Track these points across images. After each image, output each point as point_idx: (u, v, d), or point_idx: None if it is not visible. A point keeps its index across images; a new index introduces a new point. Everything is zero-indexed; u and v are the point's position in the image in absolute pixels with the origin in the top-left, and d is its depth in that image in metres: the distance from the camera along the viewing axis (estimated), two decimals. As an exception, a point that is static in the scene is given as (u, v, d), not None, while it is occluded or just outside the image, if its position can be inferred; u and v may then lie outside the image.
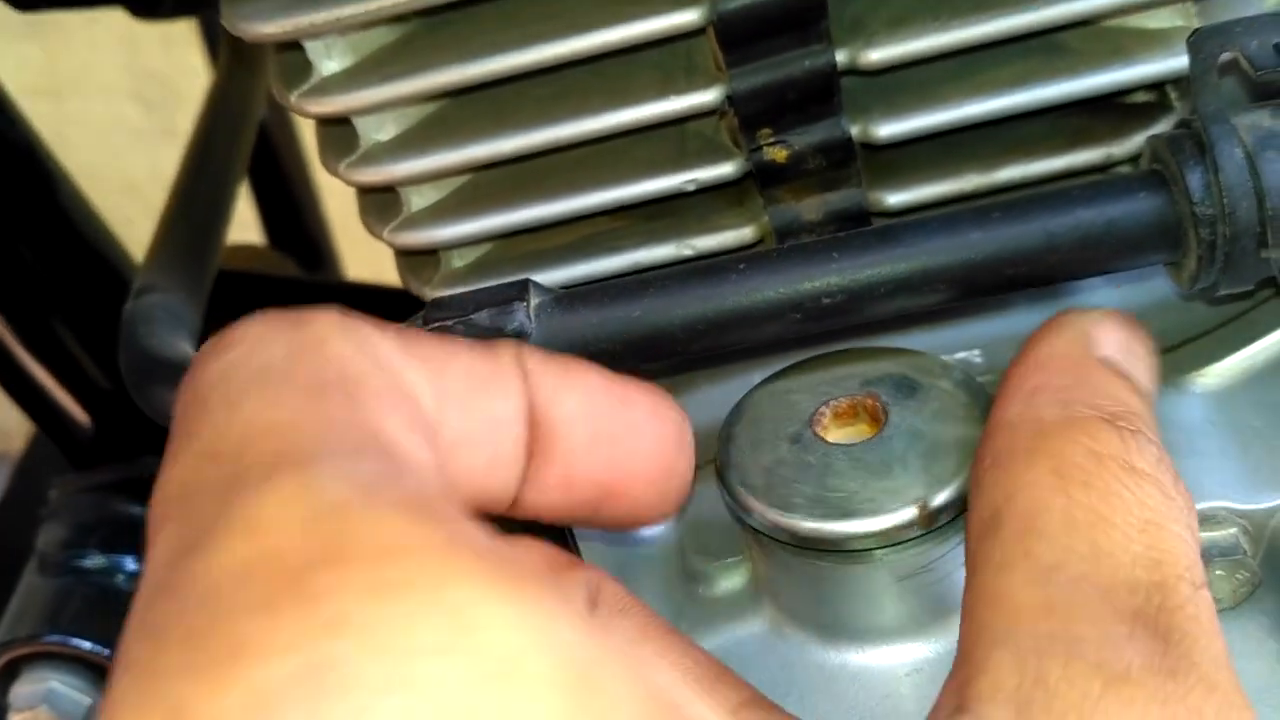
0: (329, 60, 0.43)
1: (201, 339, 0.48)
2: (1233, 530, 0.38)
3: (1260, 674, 0.38)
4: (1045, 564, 0.29)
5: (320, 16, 0.40)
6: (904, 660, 0.38)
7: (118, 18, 0.84)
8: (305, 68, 0.43)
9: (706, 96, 0.41)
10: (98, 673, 0.73)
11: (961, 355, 0.45)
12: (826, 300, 0.39)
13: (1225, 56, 0.38)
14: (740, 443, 0.39)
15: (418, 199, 0.45)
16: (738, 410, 0.40)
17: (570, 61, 0.41)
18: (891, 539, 0.36)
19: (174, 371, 0.44)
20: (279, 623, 0.22)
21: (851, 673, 0.39)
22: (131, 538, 0.77)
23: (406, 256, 0.48)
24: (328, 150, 0.45)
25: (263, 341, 0.29)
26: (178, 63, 1.76)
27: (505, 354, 0.32)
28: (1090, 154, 0.43)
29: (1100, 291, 0.44)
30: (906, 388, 0.39)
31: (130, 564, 0.76)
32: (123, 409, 0.75)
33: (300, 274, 1.12)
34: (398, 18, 0.43)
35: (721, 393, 0.43)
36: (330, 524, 0.23)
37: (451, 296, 0.41)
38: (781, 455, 0.38)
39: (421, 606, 0.22)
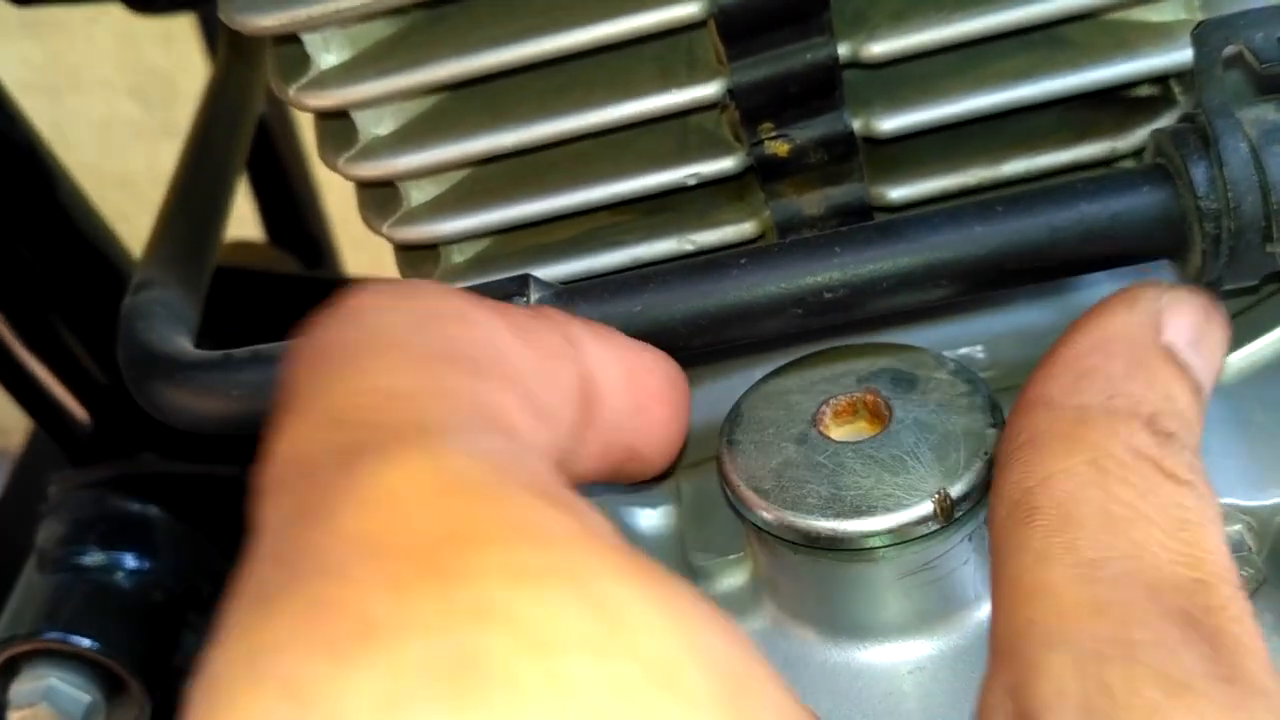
0: (327, 53, 0.43)
1: (200, 335, 0.48)
2: (1237, 527, 0.38)
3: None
4: (1087, 558, 0.29)
5: (318, 9, 0.40)
6: (906, 658, 0.38)
7: (117, 14, 0.84)
8: (303, 61, 0.43)
9: (707, 90, 0.41)
10: (97, 670, 0.72)
11: (964, 350, 0.45)
12: (828, 295, 0.38)
13: (1230, 50, 0.38)
14: (744, 445, 0.39)
15: (417, 194, 0.45)
16: (736, 412, 0.40)
17: (570, 55, 0.41)
18: (911, 534, 0.36)
19: (172, 367, 0.43)
20: (413, 603, 0.20)
21: (854, 670, 0.38)
22: (131, 534, 0.76)
23: (406, 252, 0.48)
24: (326, 144, 0.45)
25: (378, 312, 0.28)
26: (177, 59, 1.76)
27: (558, 320, 0.31)
28: (1094, 148, 0.43)
29: (1103, 286, 0.44)
30: (905, 382, 0.39)
31: (130, 560, 0.76)
32: (122, 405, 0.75)
33: (300, 270, 1.12)
34: (396, 10, 0.42)
35: (723, 388, 0.43)
36: (462, 500, 0.22)
37: (451, 292, 0.41)
38: (789, 456, 0.38)
39: (570, 599, 0.20)
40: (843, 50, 0.41)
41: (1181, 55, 0.40)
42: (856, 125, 0.42)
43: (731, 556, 0.41)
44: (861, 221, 0.43)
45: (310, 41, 0.42)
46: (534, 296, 0.40)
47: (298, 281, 1.05)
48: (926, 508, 0.36)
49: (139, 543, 0.76)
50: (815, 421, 0.39)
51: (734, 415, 0.40)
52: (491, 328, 0.29)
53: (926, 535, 0.36)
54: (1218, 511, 0.31)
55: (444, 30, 0.42)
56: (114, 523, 0.77)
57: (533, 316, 0.31)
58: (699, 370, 0.46)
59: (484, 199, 0.44)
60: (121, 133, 1.88)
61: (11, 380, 0.80)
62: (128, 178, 1.71)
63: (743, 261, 0.39)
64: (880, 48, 0.40)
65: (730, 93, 0.41)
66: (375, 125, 0.44)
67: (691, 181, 0.43)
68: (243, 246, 1.08)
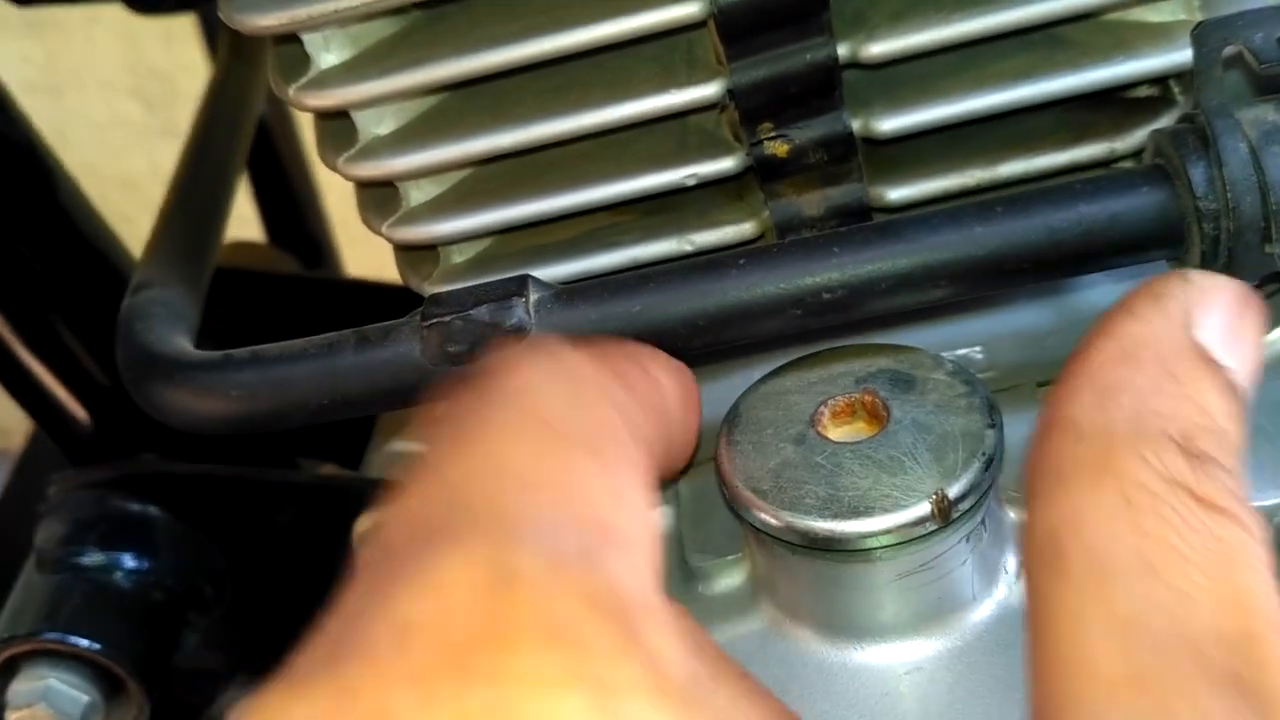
0: (327, 53, 0.43)
1: (199, 335, 0.48)
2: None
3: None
4: (1124, 615, 0.27)
5: (317, 9, 0.40)
6: (903, 659, 0.38)
7: (118, 14, 0.84)
8: (303, 61, 0.43)
9: (707, 90, 0.41)
10: (96, 670, 0.72)
11: (962, 352, 0.45)
12: (827, 296, 0.38)
13: (1229, 50, 0.38)
14: (742, 446, 0.39)
15: (417, 194, 0.45)
16: (734, 413, 0.40)
17: (570, 55, 0.41)
18: (909, 535, 0.36)
19: (171, 368, 0.43)
20: (432, 699, 0.21)
21: (851, 671, 0.38)
22: (131, 534, 0.76)
23: (405, 252, 0.48)
24: (326, 144, 0.45)
25: (516, 382, 0.28)
26: (178, 60, 1.76)
27: (634, 354, 0.33)
28: (1093, 149, 0.43)
29: (1102, 287, 0.44)
30: (903, 382, 0.39)
31: (129, 561, 0.76)
32: (122, 406, 0.75)
33: (300, 270, 1.12)
34: (396, 10, 0.42)
35: (721, 388, 0.43)
36: (506, 598, 0.22)
37: (450, 292, 0.41)
38: (787, 457, 0.38)
39: (587, 711, 0.21)
40: (842, 50, 0.41)
41: (1181, 56, 0.40)
42: (856, 126, 0.42)
43: (729, 557, 0.41)
44: (860, 222, 0.43)
45: (310, 41, 0.42)
46: (533, 297, 0.40)
47: (298, 282, 1.05)
48: (924, 508, 0.36)
49: (139, 543, 0.76)
50: (813, 422, 0.39)
51: (732, 416, 0.40)
52: (614, 394, 0.29)
53: (924, 536, 0.36)
54: (1263, 536, 0.29)
55: (444, 30, 0.42)
56: (114, 523, 0.76)
57: (626, 358, 0.32)
58: (698, 371, 0.46)
59: (484, 199, 0.44)
60: (122, 133, 1.88)
61: (12, 380, 0.80)
62: (129, 178, 1.71)
63: (742, 262, 0.39)
64: (879, 48, 0.40)
65: (730, 93, 0.41)
66: (375, 125, 0.44)
67: (691, 182, 0.43)
68: (243, 247, 1.08)
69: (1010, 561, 0.39)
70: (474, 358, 0.39)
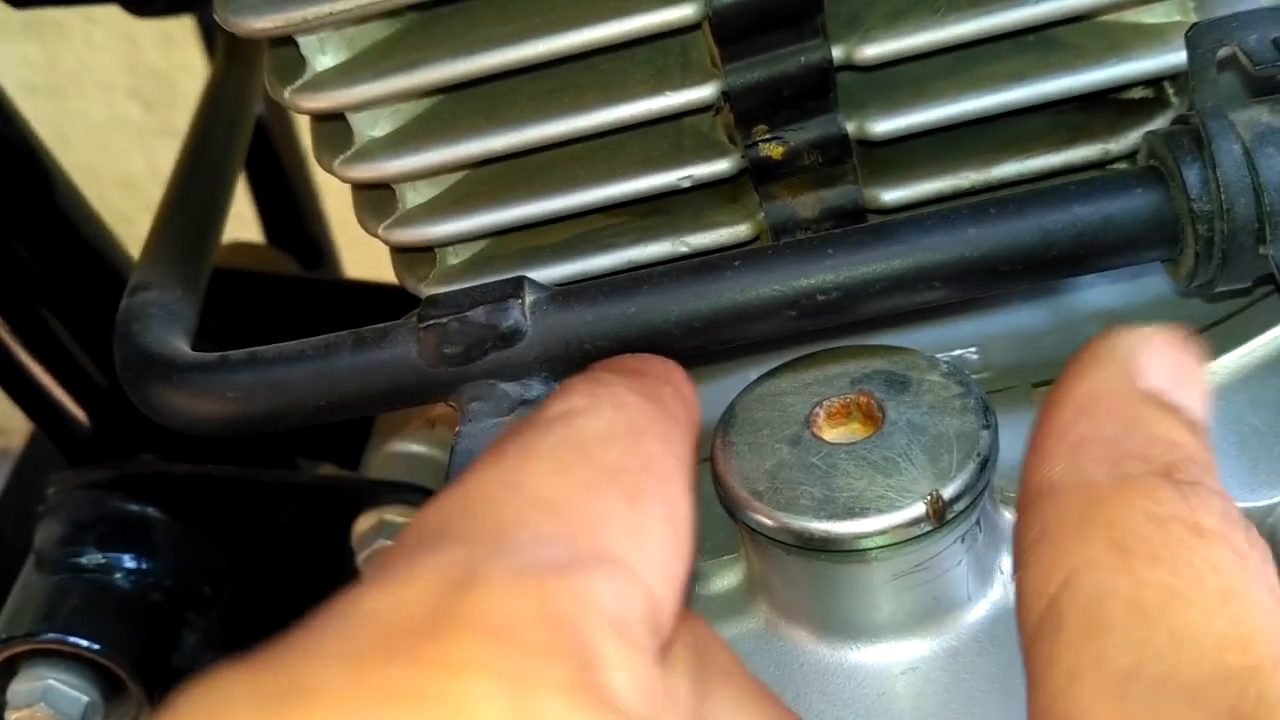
0: (323, 55, 0.43)
1: (197, 336, 0.48)
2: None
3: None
4: (1120, 670, 0.26)
5: (313, 11, 0.40)
6: (899, 659, 0.38)
7: (117, 16, 0.84)
8: (299, 63, 0.43)
9: (702, 92, 0.41)
10: (95, 670, 0.73)
11: (958, 353, 0.45)
12: (822, 297, 0.39)
13: (1223, 51, 0.38)
14: (738, 447, 0.39)
15: (413, 195, 0.45)
16: (730, 414, 0.40)
17: (565, 57, 0.41)
18: (904, 535, 0.36)
19: (168, 369, 0.44)
20: (356, 677, 0.22)
21: (847, 671, 0.38)
22: (129, 535, 0.76)
23: (401, 254, 0.48)
24: (322, 146, 0.45)
25: (565, 403, 0.29)
26: (177, 61, 1.76)
27: (664, 373, 0.33)
28: (1087, 150, 0.43)
29: (1097, 288, 0.44)
30: (898, 383, 0.39)
31: (128, 561, 0.76)
32: (121, 406, 0.75)
33: (298, 271, 1.12)
34: (391, 12, 0.42)
35: (717, 389, 0.43)
36: (460, 593, 0.23)
37: (446, 294, 0.41)
38: (783, 458, 0.38)
39: (495, 694, 0.22)
40: (837, 53, 0.41)
41: (1175, 57, 0.40)
42: (850, 128, 0.42)
43: (725, 557, 0.41)
44: (855, 224, 0.44)
45: (306, 43, 0.42)
46: (529, 299, 0.40)
47: (296, 283, 1.05)
48: (919, 509, 0.36)
49: (138, 543, 0.76)
50: (809, 423, 0.39)
51: (728, 417, 0.40)
52: (659, 425, 0.30)
53: (919, 537, 0.36)
54: (1261, 562, 0.28)
55: (439, 32, 0.42)
56: (113, 523, 0.77)
57: (659, 379, 0.32)
58: (693, 372, 0.46)
59: (479, 201, 0.44)
60: (121, 134, 1.88)
61: (11, 381, 0.80)
62: (128, 179, 1.72)
63: (737, 264, 0.39)
64: (874, 50, 0.41)
65: (725, 95, 0.41)
66: (370, 127, 0.44)
67: (686, 184, 0.43)
68: (241, 247, 1.08)
69: (1005, 562, 0.39)
70: (470, 359, 0.40)
